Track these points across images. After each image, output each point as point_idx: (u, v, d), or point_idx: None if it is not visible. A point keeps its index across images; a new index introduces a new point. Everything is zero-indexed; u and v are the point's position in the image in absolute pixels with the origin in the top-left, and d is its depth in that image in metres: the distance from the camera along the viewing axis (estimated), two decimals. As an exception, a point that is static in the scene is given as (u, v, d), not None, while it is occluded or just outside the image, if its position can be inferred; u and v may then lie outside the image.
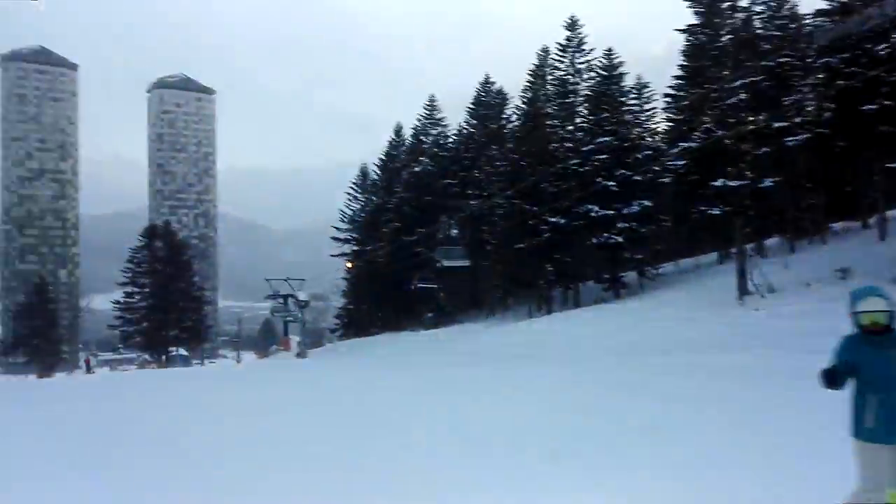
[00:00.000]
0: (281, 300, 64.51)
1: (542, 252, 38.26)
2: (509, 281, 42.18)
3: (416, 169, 51.88)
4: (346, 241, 63.60)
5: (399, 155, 57.45)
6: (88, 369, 62.22)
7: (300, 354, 45.74)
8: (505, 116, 50.20)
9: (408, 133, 56.43)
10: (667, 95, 41.05)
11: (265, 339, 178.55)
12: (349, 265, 60.84)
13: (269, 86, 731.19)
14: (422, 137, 53.14)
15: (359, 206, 62.98)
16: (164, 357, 64.83)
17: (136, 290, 64.96)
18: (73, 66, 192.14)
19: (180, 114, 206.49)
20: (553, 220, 37.84)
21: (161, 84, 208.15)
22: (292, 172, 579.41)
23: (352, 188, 63.32)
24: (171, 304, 64.62)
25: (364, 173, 63.41)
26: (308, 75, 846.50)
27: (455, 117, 53.74)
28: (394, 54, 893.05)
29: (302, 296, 46.82)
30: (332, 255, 64.53)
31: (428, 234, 50.87)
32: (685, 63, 36.44)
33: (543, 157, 39.54)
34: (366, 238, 58.90)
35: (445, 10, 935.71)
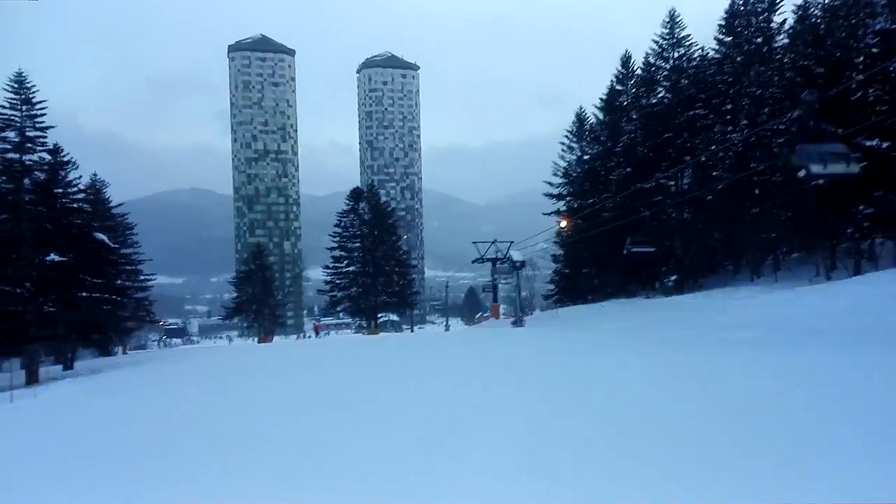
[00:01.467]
0: (490, 263, 59.48)
1: (850, 189, 27.64)
2: (794, 231, 31.75)
3: (652, 101, 42.63)
4: (559, 196, 56.09)
5: (627, 90, 48.32)
6: (317, 334, 62.32)
7: (516, 322, 39.27)
8: (775, 25, 39.19)
9: (639, 62, 47.01)
10: None
11: (470, 307, 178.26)
12: (563, 223, 53.25)
13: (462, 62, 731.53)
14: (659, 63, 43.48)
15: (575, 158, 54.97)
16: (373, 322, 62.35)
17: (343, 254, 63.07)
18: (291, 52, 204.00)
19: (386, 91, 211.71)
20: (870, 143, 27.05)
21: (369, 63, 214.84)
22: (488, 147, 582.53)
23: (566, 137, 55.44)
24: (378, 268, 61.84)
25: (581, 119, 55.17)
26: (499, 51, 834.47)
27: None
28: (585, 23, 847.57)
29: (517, 256, 40.11)
30: (545, 214, 57.39)
31: (662, 182, 41.73)
32: None
33: (847, 60, 28.70)
34: (585, 191, 50.90)
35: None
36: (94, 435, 8.77)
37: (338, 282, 62.31)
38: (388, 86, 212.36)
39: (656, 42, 43.66)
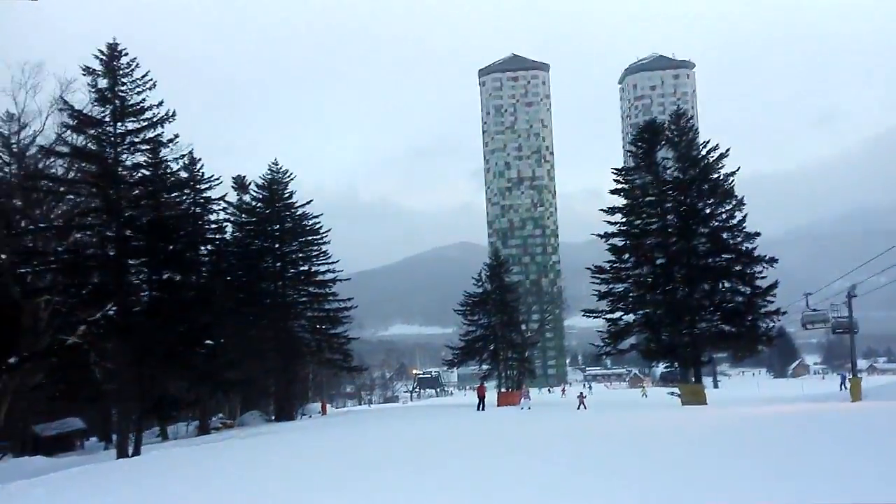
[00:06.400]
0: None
1: None
2: None
3: None
4: None
5: None
6: (581, 404, 34.79)
7: None
8: None
9: None
10: None
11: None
12: None
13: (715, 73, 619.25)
14: None
15: None
16: (693, 372, 32.28)
17: (629, 241, 34.54)
18: (545, 67, 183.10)
19: (655, 96, 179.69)
20: None
21: (633, 69, 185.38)
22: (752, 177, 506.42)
23: None
24: (700, 266, 32.08)
25: None
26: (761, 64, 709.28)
27: None
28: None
29: None
30: None
31: None
32: None
33: None
34: None
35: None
36: None
37: (620, 290, 33.73)
38: (657, 90, 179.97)
39: None
